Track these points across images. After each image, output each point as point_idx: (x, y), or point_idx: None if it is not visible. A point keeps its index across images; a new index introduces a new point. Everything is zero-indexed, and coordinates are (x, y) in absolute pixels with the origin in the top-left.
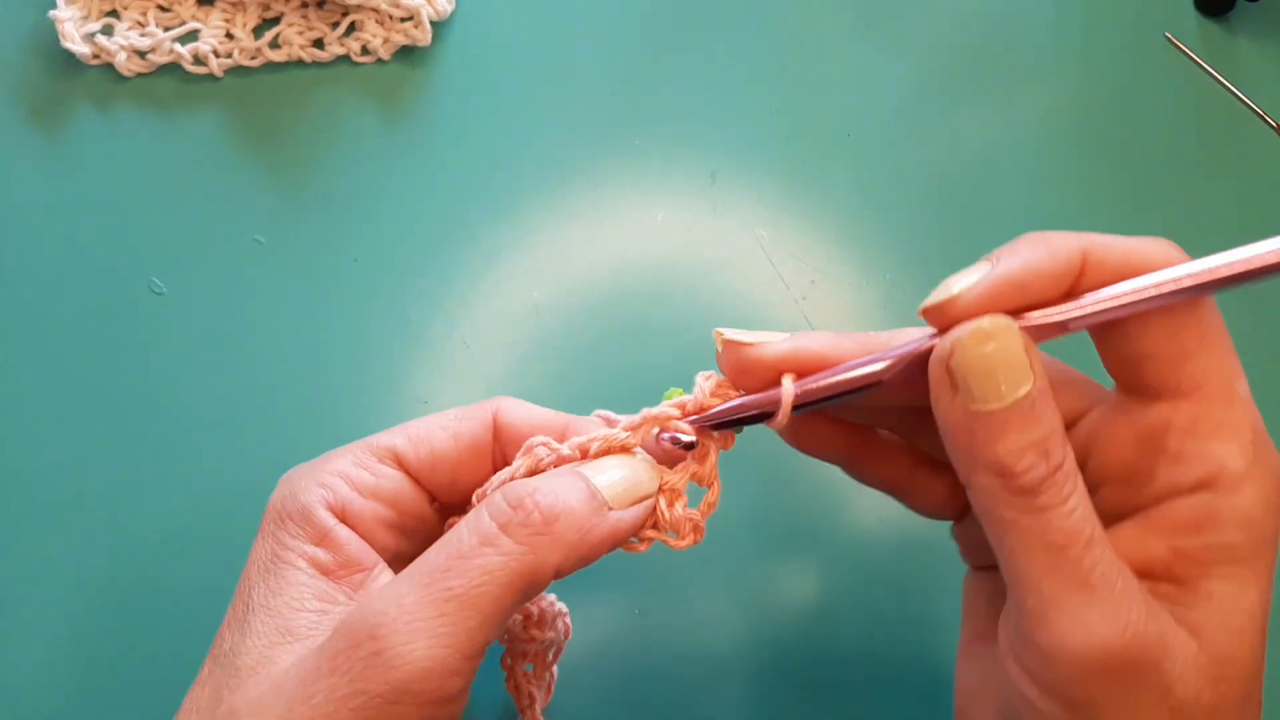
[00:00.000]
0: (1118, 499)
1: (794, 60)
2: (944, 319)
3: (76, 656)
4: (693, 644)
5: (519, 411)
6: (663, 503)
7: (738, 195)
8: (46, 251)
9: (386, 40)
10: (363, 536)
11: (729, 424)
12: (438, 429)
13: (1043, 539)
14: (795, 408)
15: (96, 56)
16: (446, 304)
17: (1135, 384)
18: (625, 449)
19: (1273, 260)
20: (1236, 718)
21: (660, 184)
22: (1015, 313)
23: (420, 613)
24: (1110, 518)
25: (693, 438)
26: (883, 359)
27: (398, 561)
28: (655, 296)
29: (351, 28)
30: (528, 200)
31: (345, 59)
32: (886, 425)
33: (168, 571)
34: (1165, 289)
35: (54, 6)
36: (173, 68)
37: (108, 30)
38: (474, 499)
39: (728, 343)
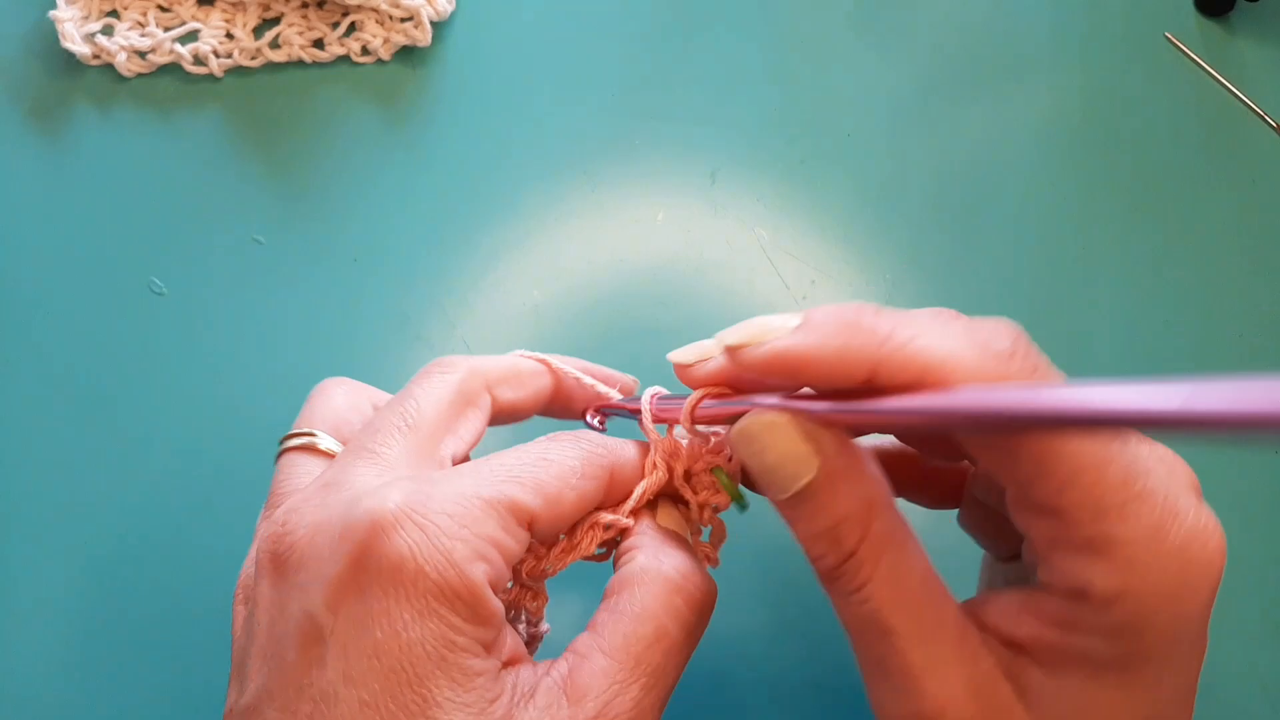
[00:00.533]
0: (1031, 557)
1: (794, 60)
2: (692, 382)
3: (73, 660)
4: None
5: (630, 468)
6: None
7: (738, 195)
8: (46, 251)
9: (386, 40)
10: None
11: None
12: (569, 490)
13: (844, 622)
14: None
15: (96, 57)
16: (446, 304)
17: (985, 501)
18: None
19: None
20: None
21: (660, 184)
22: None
23: (630, 692)
24: (1029, 566)
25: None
26: (734, 410)
27: None
28: (655, 296)
29: (351, 28)
30: (528, 200)
31: (345, 59)
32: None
33: (167, 571)
34: (956, 416)
35: (54, 6)
36: (173, 68)
37: (108, 30)
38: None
39: (675, 365)
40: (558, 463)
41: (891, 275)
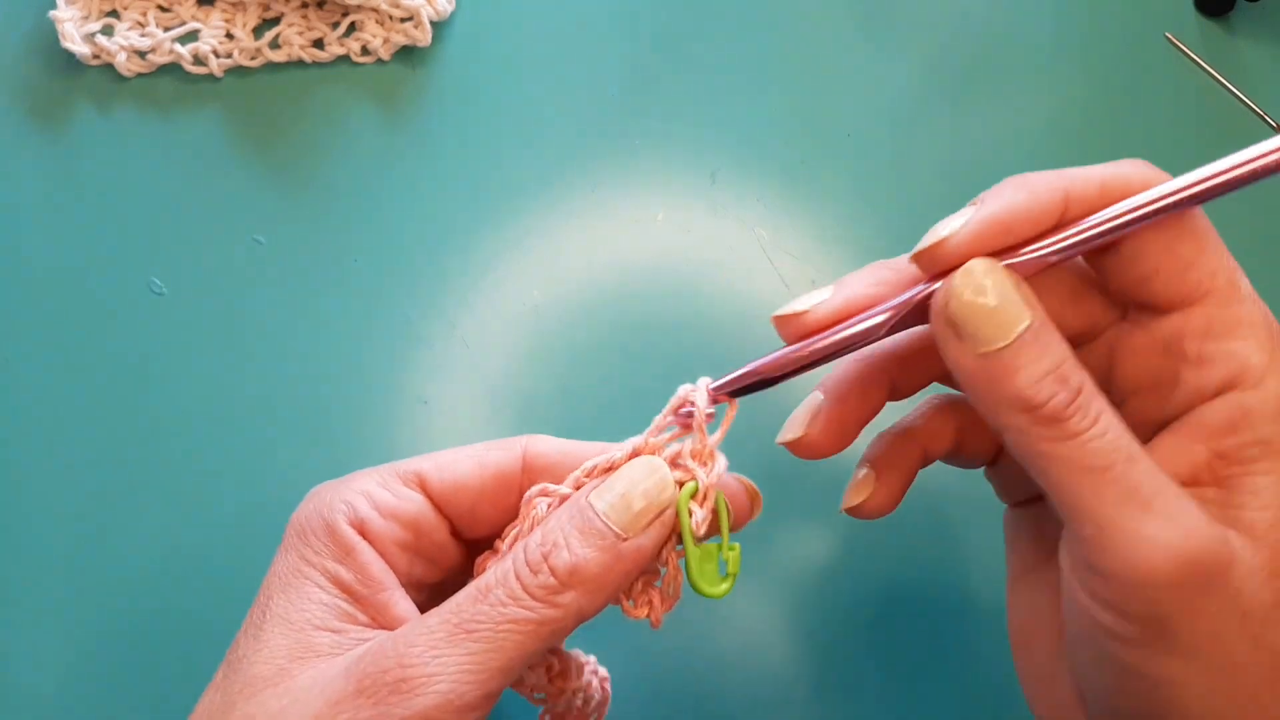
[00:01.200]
0: (1146, 410)
1: (794, 60)
2: (934, 264)
3: (70, 653)
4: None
5: (548, 445)
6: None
7: (738, 195)
8: (46, 251)
9: (386, 40)
10: (381, 556)
11: (747, 389)
12: (464, 457)
13: (1083, 464)
14: (804, 366)
15: (96, 57)
16: (446, 304)
17: (1144, 302)
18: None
19: (1246, 169)
20: None
21: (660, 184)
22: (1005, 252)
23: (447, 648)
24: (1143, 431)
25: (704, 406)
26: (881, 313)
27: (410, 586)
28: (655, 296)
29: (351, 28)
30: (528, 200)
31: (345, 59)
32: (911, 380)
33: (167, 569)
34: (1149, 208)
35: (54, 6)
36: (173, 68)
37: (108, 30)
38: (501, 544)
39: (781, 319)
40: (460, 446)
41: None
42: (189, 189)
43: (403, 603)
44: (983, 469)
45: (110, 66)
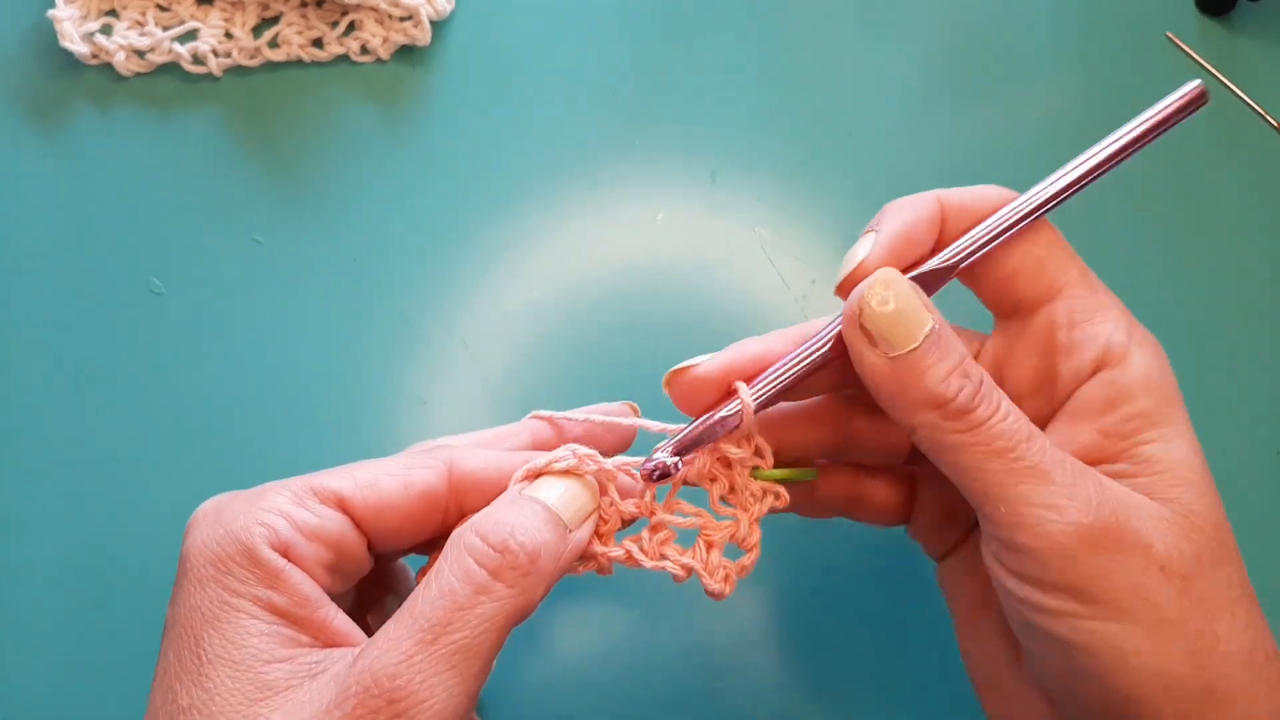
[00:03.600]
0: (1036, 408)
1: (794, 60)
2: (852, 285)
3: (70, 653)
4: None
5: (475, 460)
6: (702, 546)
7: (738, 195)
8: (45, 251)
9: (386, 40)
10: (308, 576)
11: (699, 442)
12: (385, 475)
13: (990, 448)
14: (760, 407)
15: (95, 56)
16: (446, 304)
17: (1013, 305)
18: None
19: (1077, 175)
20: (1217, 563)
21: (660, 184)
22: (905, 269)
23: (433, 669)
24: (1039, 427)
25: (666, 460)
26: (824, 340)
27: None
28: (655, 296)
29: (351, 27)
30: (527, 200)
31: (344, 58)
32: (830, 434)
33: (166, 568)
34: (1012, 217)
35: (53, 6)
36: (171, 67)
37: (106, 30)
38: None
39: (671, 376)
40: (379, 460)
41: None
42: (188, 189)
43: (339, 616)
44: (905, 530)
45: (109, 66)
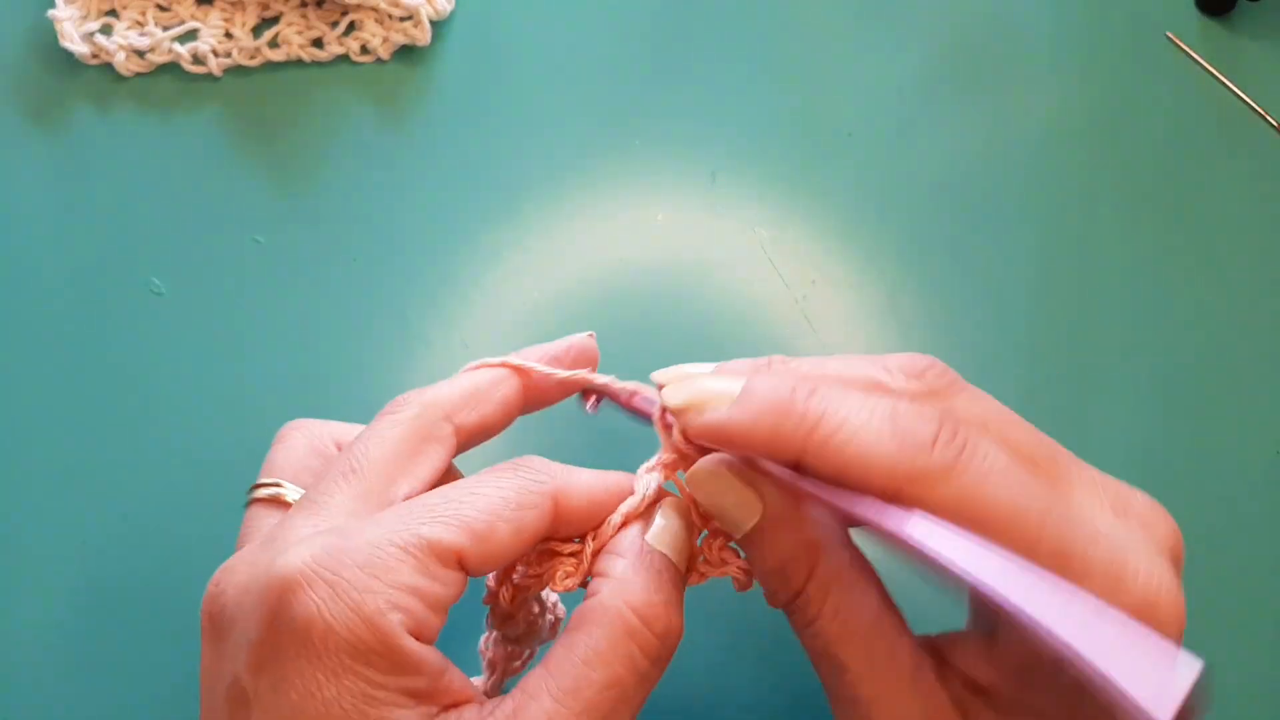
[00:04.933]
0: None
1: (795, 60)
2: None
3: (69, 659)
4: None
5: (579, 495)
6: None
7: (738, 195)
8: (45, 251)
9: (386, 40)
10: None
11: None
12: (500, 523)
13: (806, 648)
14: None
15: (95, 56)
16: (446, 304)
17: None
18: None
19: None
20: None
21: (660, 184)
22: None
23: None
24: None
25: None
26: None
27: None
28: (655, 296)
29: (351, 27)
30: (528, 200)
31: (344, 58)
32: None
33: (166, 568)
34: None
35: (53, 6)
36: (171, 67)
37: (106, 30)
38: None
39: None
40: (486, 495)
41: (891, 275)
42: (188, 189)
43: (456, 673)
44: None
45: (109, 66)
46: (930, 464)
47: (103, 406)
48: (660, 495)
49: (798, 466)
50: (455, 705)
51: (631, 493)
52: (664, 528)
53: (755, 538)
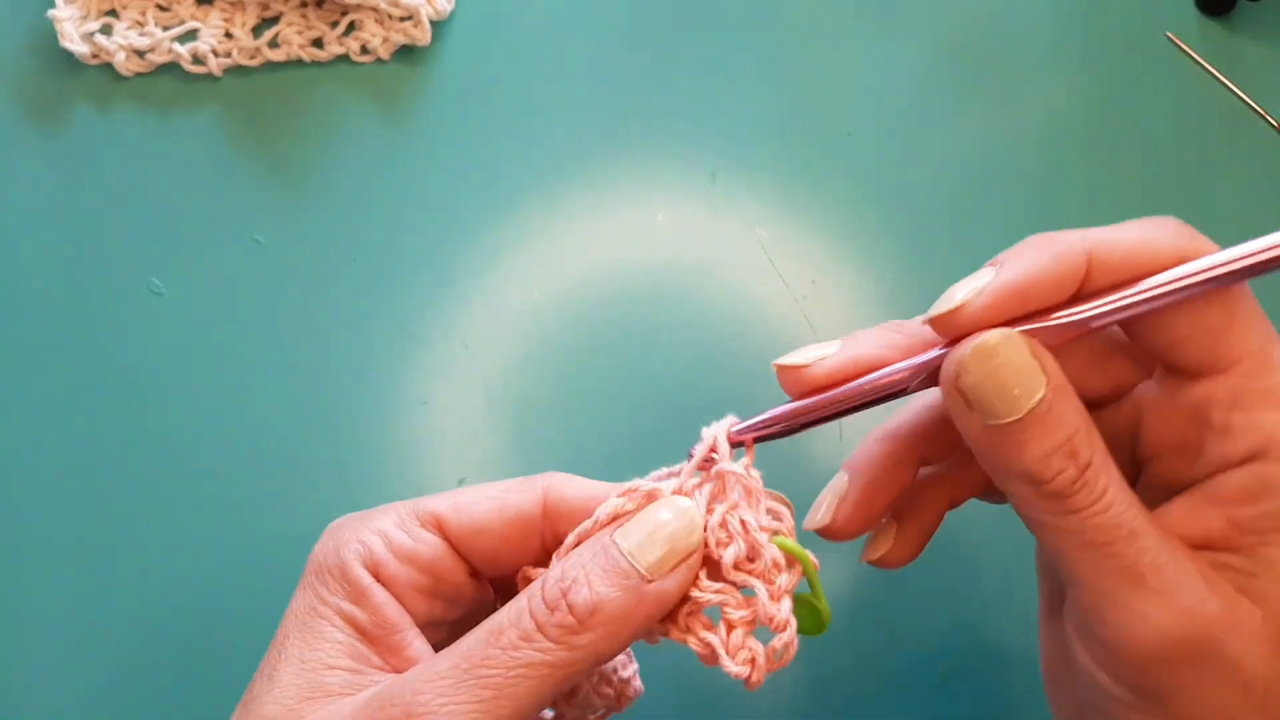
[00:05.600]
0: (1171, 472)
1: (794, 60)
2: (950, 329)
3: (72, 656)
4: None
5: (570, 488)
6: (723, 627)
7: (738, 195)
8: (45, 251)
9: (386, 40)
10: (396, 599)
11: (768, 437)
12: (483, 498)
13: (1083, 539)
14: (827, 417)
15: (95, 56)
16: (446, 304)
17: (1171, 366)
18: (653, 497)
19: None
20: None
21: (660, 184)
22: (1024, 318)
23: (457, 696)
24: (1166, 491)
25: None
26: (905, 368)
27: (430, 626)
28: (655, 296)
29: (351, 27)
30: (528, 200)
31: (344, 58)
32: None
33: (165, 567)
34: (1176, 286)
35: (53, 6)
36: (171, 67)
37: (106, 30)
38: (519, 580)
39: (782, 369)
40: (491, 483)
41: (892, 275)
42: (188, 189)
43: (417, 643)
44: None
45: (109, 66)
46: (1194, 240)
47: (102, 406)
48: (646, 499)
49: (1075, 297)
50: (400, 670)
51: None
52: (633, 524)
53: (1043, 411)
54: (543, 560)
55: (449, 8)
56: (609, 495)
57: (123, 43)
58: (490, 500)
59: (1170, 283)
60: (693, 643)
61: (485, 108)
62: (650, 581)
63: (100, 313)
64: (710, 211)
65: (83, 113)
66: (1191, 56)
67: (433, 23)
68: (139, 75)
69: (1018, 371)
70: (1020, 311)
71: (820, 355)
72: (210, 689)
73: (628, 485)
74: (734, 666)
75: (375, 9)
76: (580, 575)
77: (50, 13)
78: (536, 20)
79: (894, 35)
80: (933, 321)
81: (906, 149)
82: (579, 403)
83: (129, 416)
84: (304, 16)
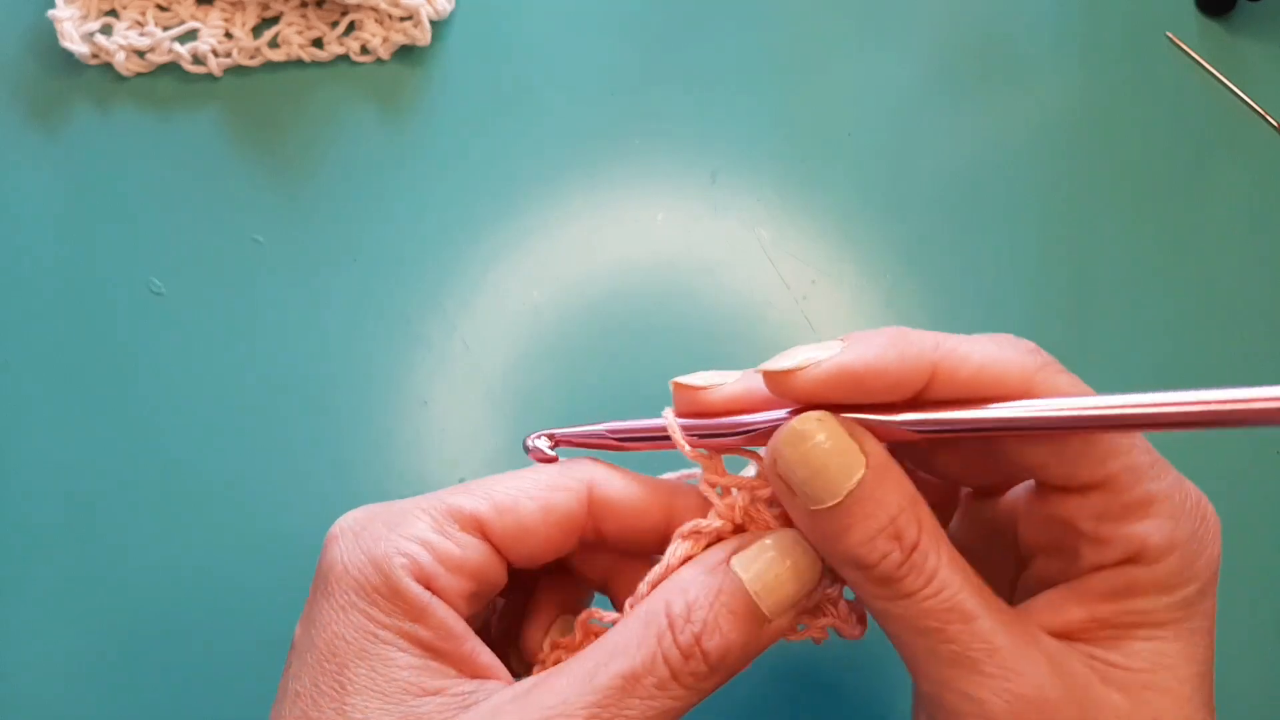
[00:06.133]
0: (1050, 570)
1: (794, 60)
2: (780, 389)
3: (72, 657)
4: None
5: (615, 484)
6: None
7: (738, 195)
8: (45, 251)
9: (386, 40)
10: (451, 609)
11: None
12: (525, 499)
13: (916, 624)
14: (654, 439)
15: (95, 56)
16: (446, 304)
17: (1038, 480)
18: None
19: (1158, 413)
20: None
21: (660, 184)
22: (862, 407)
23: None
24: (1044, 584)
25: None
26: (765, 420)
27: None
28: (655, 296)
29: (351, 27)
30: (528, 200)
31: (345, 58)
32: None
33: (164, 567)
34: (1008, 420)
35: (53, 6)
36: (172, 67)
37: (106, 30)
38: (628, 606)
39: (679, 387)
40: (518, 478)
41: (891, 275)
42: (188, 189)
43: (484, 651)
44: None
45: (109, 66)
46: (1047, 373)
47: (102, 406)
48: (740, 524)
49: (914, 400)
50: (479, 677)
51: (684, 494)
52: (756, 557)
53: (862, 493)
54: (578, 554)
55: (449, 8)
56: (657, 492)
57: (123, 43)
58: (533, 502)
59: (1002, 419)
60: (815, 634)
61: (485, 108)
62: (771, 623)
63: (100, 313)
64: (710, 211)
65: (83, 113)
66: (1191, 56)
67: (433, 23)
68: (139, 75)
69: (833, 454)
70: (852, 399)
71: (719, 382)
72: (210, 688)
73: (690, 526)
74: (850, 628)
75: (375, 9)
76: (711, 620)
77: (50, 13)
78: (536, 20)
79: (894, 36)
80: (765, 376)
81: (906, 149)
82: (579, 403)
83: (129, 416)
84: (304, 16)
